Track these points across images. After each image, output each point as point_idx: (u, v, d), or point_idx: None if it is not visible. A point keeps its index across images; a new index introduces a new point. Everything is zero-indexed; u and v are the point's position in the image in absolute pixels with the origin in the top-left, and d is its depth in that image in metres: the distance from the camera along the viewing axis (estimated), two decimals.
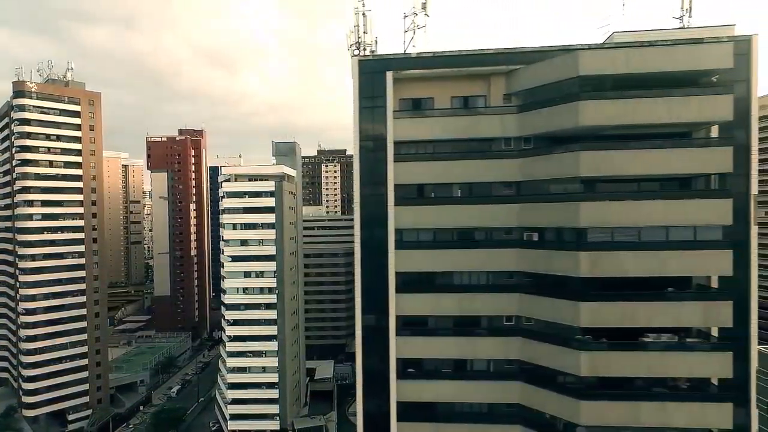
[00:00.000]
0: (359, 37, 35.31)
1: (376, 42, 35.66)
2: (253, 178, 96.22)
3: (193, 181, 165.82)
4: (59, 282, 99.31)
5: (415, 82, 34.63)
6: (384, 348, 34.31)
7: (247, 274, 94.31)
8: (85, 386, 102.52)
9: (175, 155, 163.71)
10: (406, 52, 34.84)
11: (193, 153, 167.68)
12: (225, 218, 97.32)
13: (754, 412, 32.66)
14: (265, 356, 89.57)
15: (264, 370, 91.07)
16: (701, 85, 30.80)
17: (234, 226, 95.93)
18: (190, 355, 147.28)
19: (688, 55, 29.52)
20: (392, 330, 34.25)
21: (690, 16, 42.23)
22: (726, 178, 30.97)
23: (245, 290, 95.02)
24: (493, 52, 33.14)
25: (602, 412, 30.41)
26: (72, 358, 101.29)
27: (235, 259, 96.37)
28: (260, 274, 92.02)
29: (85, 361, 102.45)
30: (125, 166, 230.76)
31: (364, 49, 35.22)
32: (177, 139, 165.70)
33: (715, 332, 32.24)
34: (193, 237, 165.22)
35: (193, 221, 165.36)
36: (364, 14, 35.38)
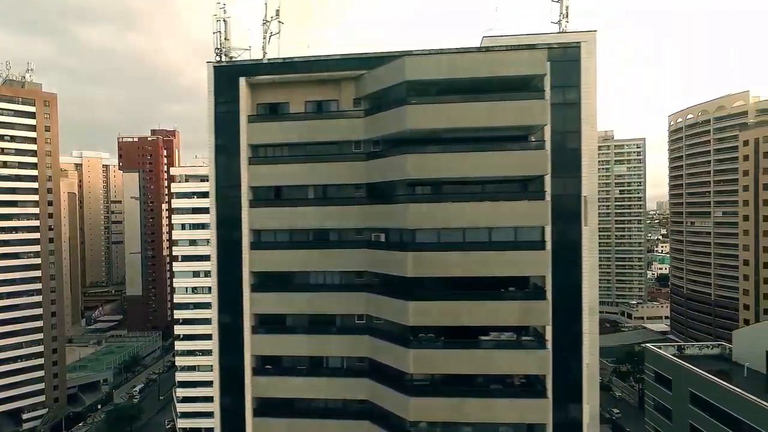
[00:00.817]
0: (221, 43, 36.33)
1: (248, 48, 36.55)
2: (204, 178, 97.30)
3: (165, 182, 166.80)
4: (13, 282, 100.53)
5: (272, 87, 35.64)
6: (240, 345, 35.33)
7: (195, 274, 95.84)
8: (41, 385, 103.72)
9: (147, 155, 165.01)
10: (263, 58, 35.83)
11: (165, 153, 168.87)
12: (175, 218, 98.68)
13: (586, 408, 33.67)
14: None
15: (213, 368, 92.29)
16: (530, 90, 31.67)
17: (183, 226, 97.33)
18: (159, 355, 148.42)
19: (503, 61, 30.45)
20: (247, 328, 35.27)
21: (567, 21, 43.36)
22: (543, 180, 31.98)
23: (194, 290, 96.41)
24: (339, 57, 34.13)
25: (430, 408, 31.37)
26: (27, 357, 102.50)
27: (185, 258, 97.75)
28: (208, 274, 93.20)
29: (40, 361, 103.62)
30: (106, 167, 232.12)
31: (225, 55, 36.24)
32: (149, 139, 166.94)
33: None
34: (165, 237, 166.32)
35: (165, 221, 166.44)
36: (225, 21, 36.39)
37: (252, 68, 34.89)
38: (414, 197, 31.65)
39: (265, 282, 35.99)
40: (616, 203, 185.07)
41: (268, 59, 35.11)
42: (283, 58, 34.81)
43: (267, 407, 35.91)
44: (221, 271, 35.58)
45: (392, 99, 31.82)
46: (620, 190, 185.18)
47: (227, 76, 34.92)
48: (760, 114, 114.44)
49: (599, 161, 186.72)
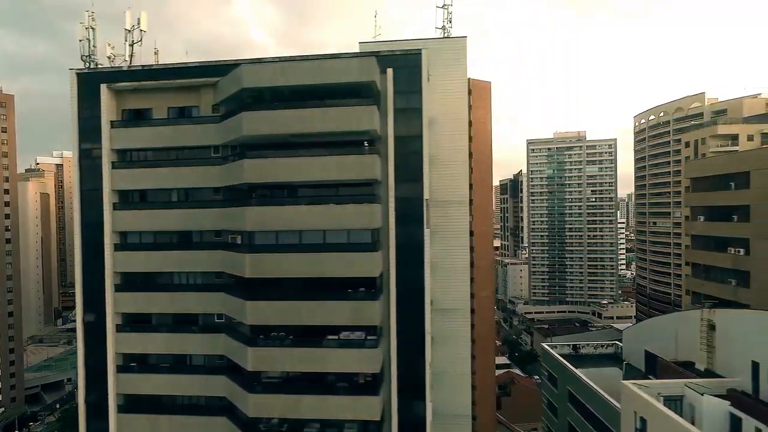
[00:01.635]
0: (90, 50, 37.46)
1: (110, 56, 37.66)
2: None
3: None
4: None
5: (136, 93, 36.72)
6: (104, 343, 36.42)
7: None
8: None
9: None
10: (129, 65, 36.97)
11: None
12: None
13: (429, 406, 34.71)
14: None
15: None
16: (367, 96, 32.53)
17: None
18: None
19: (333, 68, 31.48)
20: (110, 326, 36.36)
21: (451, 26, 44.53)
22: (386, 184, 33.04)
23: None
24: (194, 65, 35.28)
25: (269, 405, 32.46)
26: None
27: None
28: None
29: None
30: None
31: (92, 62, 37.37)
32: None
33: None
34: None
35: None
36: (92, 29, 37.51)
37: (113, 75, 36.00)
38: (252, 201, 32.72)
39: (131, 282, 37.08)
40: (588, 203, 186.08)
41: (128, 67, 36.23)
42: (143, 66, 35.93)
43: (132, 404, 36.97)
44: (85, 272, 36.67)
45: (236, 106, 32.91)
46: (592, 191, 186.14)
47: (90, 83, 36.01)
48: (715, 115, 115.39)
49: (571, 161, 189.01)
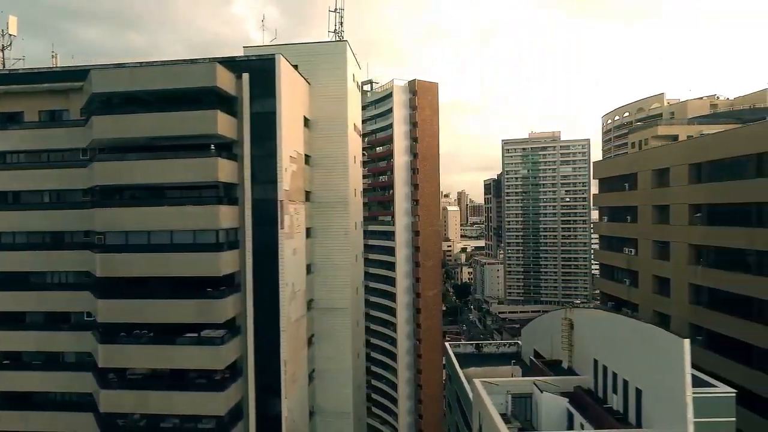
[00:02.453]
0: None
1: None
2: None
3: None
4: None
5: (8, 97, 37.50)
6: None
7: None
8: None
9: None
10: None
11: None
12: None
13: (284, 402, 35.49)
14: None
15: None
16: (215, 100, 33.11)
17: None
18: None
19: (178, 74, 32.28)
20: None
21: (343, 30, 45.39)
22: (240, 186, 33.88)
23: None
24: (59, 69, 36.21)
25: (119, 401, 33.32)
26: None
27: None
28: None
29: None
30: None
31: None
32: None
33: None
34: None
35: None
36: None
37: None
38: (102, 202, 33.55)
39: (3, 281, 37.90)
40: (562, 204, 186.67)
41: None
42: (9, 70, 36.77)
43: (4, 400, 37.78)
44: None
45: (92, 110, 33.73)
46: (566, 191, 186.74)
47: None
48: (671, 116, 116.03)
49: (546, 162, 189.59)
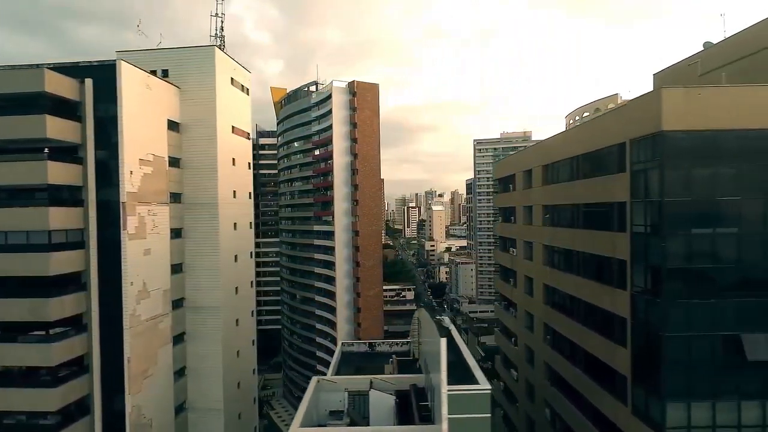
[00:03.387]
0: None
1: None
2: None
3: None
4: None
5: None
6: None
7: None
8: None
9: None
10: None
11: None
12: None
13: (128, 398, 36.44)
14: None
15: None
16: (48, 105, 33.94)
17: None
18: None
19: (7, 79, 33.21)
20: None
21: (223, 34, 46.24)
22: (80, 189, 34.92)
23: None
24: None
25: None
26: None
27: None
28: None
29: None
30: None
31: None
32: None
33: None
34: None
35: None
36: None
37: None
38: None
39: None
40: None
41: None
42: None
43: None
44: None
45: None
46: None
47: None
48: None
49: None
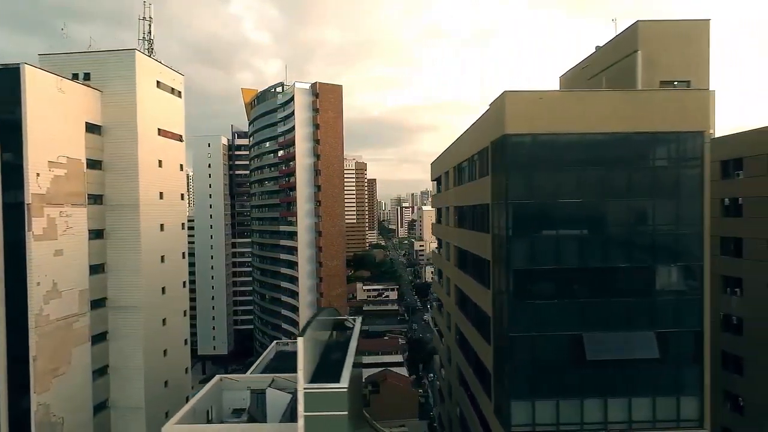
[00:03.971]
0: None
1: None
2: None
3: None
4: None
5: None
6: None
7: None
8: None
9: None
10: None
11: None
12: None
13: (35, 398, 37.04)
14: None
15: None
16: None
17: None
18: None
19: None
20: None
21: (152, 38, 46.87)
22: None
23: None
24: None
25: None
26: None
27: None
28: None
29: None
30: None
31: None
32: None
33: None
34: None
35: None
36: None
37: None
38: None
39: None
40: None
41: None
42: None
43: None
44: None
45: None
46: None
47: None
48: None
49: None
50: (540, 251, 24.27)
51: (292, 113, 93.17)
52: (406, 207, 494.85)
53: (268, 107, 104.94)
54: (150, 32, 49.55)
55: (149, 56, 48.04)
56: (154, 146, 46.55)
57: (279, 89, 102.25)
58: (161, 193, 47.57)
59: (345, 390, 26.45)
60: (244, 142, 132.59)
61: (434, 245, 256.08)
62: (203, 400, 33.26)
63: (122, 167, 43.83)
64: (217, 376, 37.54)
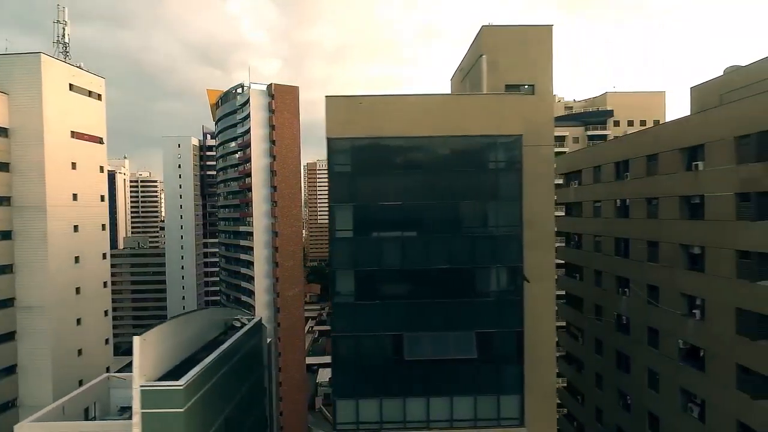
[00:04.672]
0: None
1: None
2: None
3: None
4: None
5: None
6: None
7: None
8: None
9: None
10: None
11: None
12: None
13: None
14: None
15: None
16: None
17: None
18: None
19: None
20: None
21: (67, 41, 47.36)
22: None
23: None
24: None
25: None
26: None
27: None
28: None
29: None
30: None
31: None
32: None
33: None
34: None
35: None
36: None
37: None
38: None
39: None
40: None
41: None
42: None
43: None
44: None
45: None
46: None
47: None
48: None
49: None
50: (361, 253, 24.73)
51: (249, 114, 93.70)
52: None
53: (230, 108, 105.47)
54: (65, 35, 50.02)
55: (64, 60, 48.58)
56: (66, 148, 47.08)
57: (239, 90, 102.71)
58: (75, 195, 48.11)
59: (181, 388, 26.94)
60: (214, 142, 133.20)
61: None
62: (78, 399, 33.88)
63: (28, 169, 44.39)
64: (105, 375, 38.17)
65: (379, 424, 24.69)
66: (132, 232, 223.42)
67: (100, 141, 52.27)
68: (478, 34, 29.16)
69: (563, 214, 58.01)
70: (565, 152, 76.41)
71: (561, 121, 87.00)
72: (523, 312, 24.61)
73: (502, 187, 24.37)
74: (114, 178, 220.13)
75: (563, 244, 56.69)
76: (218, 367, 31.27)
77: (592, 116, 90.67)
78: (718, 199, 28.89)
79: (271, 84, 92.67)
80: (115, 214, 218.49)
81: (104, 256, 53.16)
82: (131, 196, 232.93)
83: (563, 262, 55.66)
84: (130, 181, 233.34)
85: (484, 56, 28.32)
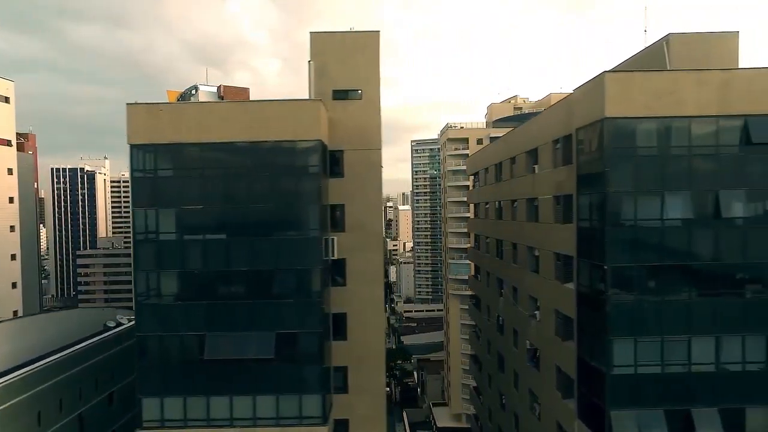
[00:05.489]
0: None
1: None
2: None
3: None
4: None
5: None
6: None
7: None
8: None
9: None
10: None
11: None
12: None
13: None
14: None
15: None
16: None
17: None
18: None
19: None
20: None
21: None
22: None
23: None
24: None
25: None
26: None
27: None
28: None
29: None
30: None
31: None
32: None
33: None
34: None
35: None
36: None
37: None
38: None
39: None
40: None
41: None
42: None
43: None
44: None
45: None
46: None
47: None
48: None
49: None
50: (165, 255, 25.28)
51: None
52: (390, 206, 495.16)
53: None
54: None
55: None
56: None
57: (193, 92, 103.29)
58: (12, 198, 48.90)
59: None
60: None
61: (410, 244, 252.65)
62: None
63: None
64: None
65: (184, 422, 25.26)
66: (113, 233, 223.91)
67: (7, 144, 52.92)
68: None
69: (472, 215, 58.57)
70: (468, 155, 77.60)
71: (504, 122, 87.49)
72: (323, 314, 25.15)
73: (301, 191, 24.89)
74: (94, 179, 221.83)
75: (472, 245, 57.11)
76: (62, 368, 31.87)
77: (530, 117, 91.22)
78: (545, 201, 29.40)
79: (220, 86, 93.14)
80: (94, 214, 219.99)
81: (13, 257, 53.78)
82: (113, 197, 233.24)
83: (473, 263, 56.16)
84: (112, 182, 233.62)
85: (311, 62, 28.88)
